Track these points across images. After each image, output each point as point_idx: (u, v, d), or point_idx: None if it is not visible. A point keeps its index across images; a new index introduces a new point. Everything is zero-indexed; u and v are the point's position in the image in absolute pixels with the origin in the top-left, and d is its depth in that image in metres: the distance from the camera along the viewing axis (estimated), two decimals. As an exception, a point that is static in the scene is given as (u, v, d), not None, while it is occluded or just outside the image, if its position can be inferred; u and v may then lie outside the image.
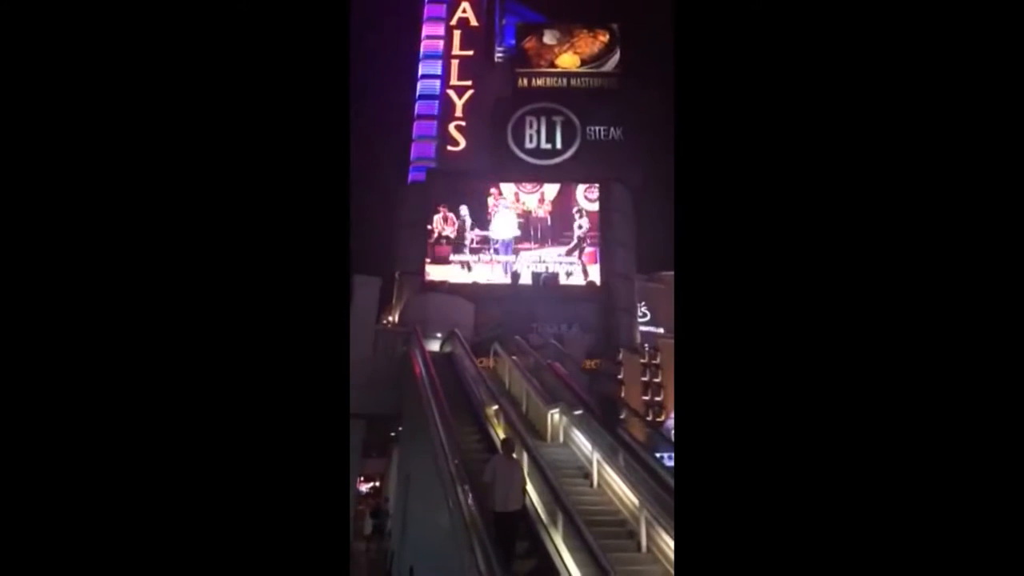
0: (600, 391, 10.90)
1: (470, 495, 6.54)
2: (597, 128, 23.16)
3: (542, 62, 24.36)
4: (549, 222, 21.54)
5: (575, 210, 21.60)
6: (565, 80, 24.13)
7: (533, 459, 7.36)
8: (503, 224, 21.46)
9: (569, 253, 21.24)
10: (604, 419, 8.85)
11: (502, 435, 8.72)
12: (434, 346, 14.14)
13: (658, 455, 8.31)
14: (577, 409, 9.24)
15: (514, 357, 12.15)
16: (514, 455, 6.90)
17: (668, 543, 6.26)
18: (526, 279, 20.97)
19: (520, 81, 24.11)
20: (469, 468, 7.13)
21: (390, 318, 20.07)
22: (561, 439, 9.21)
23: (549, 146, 23.09)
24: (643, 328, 23.31)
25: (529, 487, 6.91)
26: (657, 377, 22.12)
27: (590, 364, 17.86)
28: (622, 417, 9.72)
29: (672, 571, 6.07)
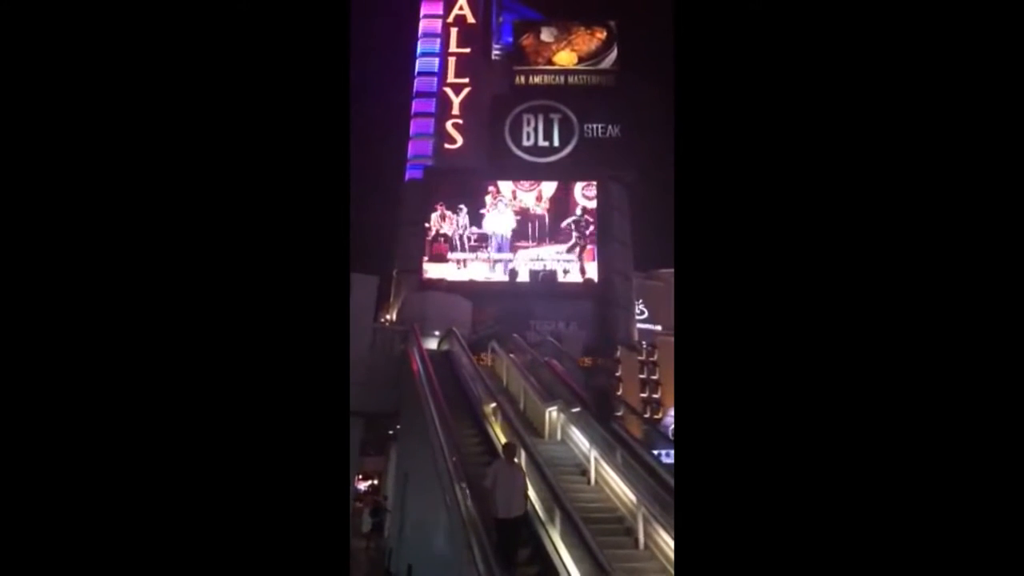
0: (595, 385, 10.89)
1: (468, 493, 6.54)
2: (595, 125, 23.16)
3: (539, 59, 24.34)
4: (547, 220, 21.56)
5: (573, 208, 21.62)
6: (563, 77, 24.12)
7: (531, 456, 7.37)
8: (500, 221, 21.47)
9: (570, 251, 21.26)
10: (598, 413, 8.87)
11: (500, 432, 8.73)
12: (432, 344, 14.13)
13: (655, 452, 8.33)
14: (575, 406, 9.25)
15: (512, 355, 12.13)
16: (516, 460, 6.86)
17: (665, 540, 6.28)
18: (524, 277, 20.99)
19: (517, 79, 24.09)
20: (467, 467, 7.14)
21: (388, 316, 20.05)
22: (559, 436, 9.22)
23: (547, 144, 23.09)
24: (641, 325, 23.37)
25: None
26: (654, 374, 22.21)
27: (587, 361, 17.90)
28: (619, 414, 9.73)
29: (669, 568, 6.10)
